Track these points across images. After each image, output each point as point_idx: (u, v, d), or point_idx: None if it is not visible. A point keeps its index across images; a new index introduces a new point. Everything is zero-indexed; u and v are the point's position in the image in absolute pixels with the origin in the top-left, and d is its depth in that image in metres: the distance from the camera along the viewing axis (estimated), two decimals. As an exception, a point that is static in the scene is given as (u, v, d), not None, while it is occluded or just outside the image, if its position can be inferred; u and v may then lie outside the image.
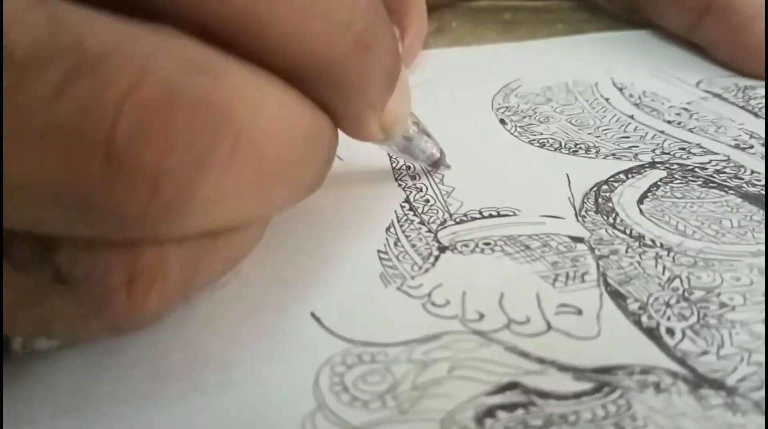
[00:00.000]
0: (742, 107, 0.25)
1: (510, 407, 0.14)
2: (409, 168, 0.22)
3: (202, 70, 0.11)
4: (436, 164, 0.21)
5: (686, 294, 0.16)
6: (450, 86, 0.28)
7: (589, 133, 0.24)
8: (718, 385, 0.14)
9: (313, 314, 0.16)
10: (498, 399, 0.14)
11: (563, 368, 0.15)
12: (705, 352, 0.15)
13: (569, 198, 0.20)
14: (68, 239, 0.12)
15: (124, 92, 0.10)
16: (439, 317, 0.16)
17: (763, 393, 0.14)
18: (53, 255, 0.12)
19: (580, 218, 0.19)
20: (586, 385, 0.14)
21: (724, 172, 0.21)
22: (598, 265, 0.17)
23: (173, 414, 0.14)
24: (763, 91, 0.26)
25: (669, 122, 0.24)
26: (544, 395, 0.14)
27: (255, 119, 0.12)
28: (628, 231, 0.19)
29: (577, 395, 0.14)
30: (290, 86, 0.13)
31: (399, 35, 0.28)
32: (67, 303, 0.12)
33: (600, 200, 0.20)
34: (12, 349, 0.14)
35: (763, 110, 0.25)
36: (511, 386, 0.14)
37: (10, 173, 0.10)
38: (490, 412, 0.14)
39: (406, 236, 0.19)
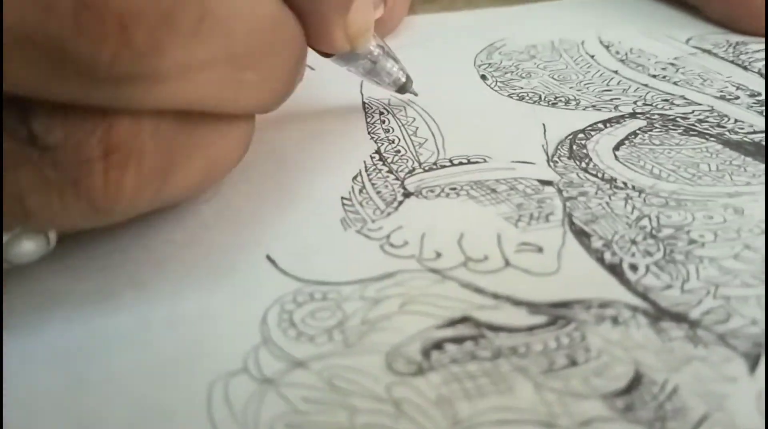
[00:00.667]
0: (732, 62, 0.24)
1: (459, 340, 0.13)
2: (383, 122, 0.22)
3: None
4: (403, 89, 0.21)
5: (654, 232, 0.16)
6: (434, 47, 0.27)
7: (571, 87, 0.23)
8: (679, 317, 0.13)
9: (268, 256, 0.16)
10: (447, 332, 0.13)
11: (518, 303, 0.14)
12: (668, 287, 0.14)
13: (543, 145, 0.20)
14: (44, 104, 0.11)
15: None
16: (396, 257, 0.16)
17: (728, 326, 0.13)
18: (28, 118, 0.11)
19: (551, 163, 0.19)
20: (540, 319, 0.14)
21: (707, 122, 0.20)
22: (564, 206, 0.17)
23: (120, 348, 0.14)
24: (755, 46, 0.25)
25: (654, 76, 0.23)
26: (496, 328, 0.13)
27: None
28: (600, 175, 0.18)
29: (530, 328, 0.13)
30: None
31: None
32: (43, 173, 0.12)
33: (575, 147, 0.19)
34: None
35: (753, 64, 0.24)
36: (462, 320, 0.14)
37: None
38: (437, 344, 0.13)
39: (373, 184, 0.18)
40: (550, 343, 0.13)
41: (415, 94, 0.22)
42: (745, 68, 0.24)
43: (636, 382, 0.12)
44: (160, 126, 0.13)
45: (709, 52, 0.25)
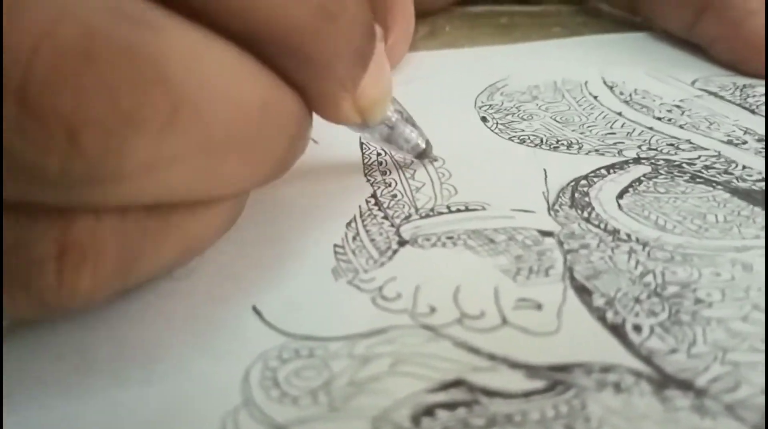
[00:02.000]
0: (739, 104, 0.24)
1: (451, 406, 0.12)
2: (380, 163, 0.21)
3: (132, 19, 0.10)
4: (422, 156, 0.20)
5: (659, 289, 0.15)
6: (434, 86, 0.27)
7: (573, 130, 0.23)
8: (685, 385, 0.13)
9: (254, 308, 0.15)
10: (440, 397, 0.13)
11: (515, 365, 0.13)
12: (674, 351, 0.13)
13: (543, 193, 0.19)
14: None
15: (40, 34, 0.09)
16: (388, 311, 0.15)
17: (736, 395, 0.12)
18: None
19: (552, 212, 0.18)
20: (538, 384, 0.13)
21: (714, 168, 0.20)
22: (565, 259, 0.16)
23: (94, 408, 0.13)
24: (762, 89, 0.25)
25: (659, 119, 0.23)
26: (491, 393, 0.13)
27: (197, 80, 0.11)
28: (602, 225, 0.17)
29: (527, 394, 0.13)
30: (248, 54, 0.12)
31: (382, 35, 0.27)
32: None
33: (576, 195, 0.19)
34: None
35: (761, 107, 0.23)
36: (456, 384, 0.13)
37: None
38: (429, 410, 0.12)
39: (367, 231, 0.18)
40: (547, 411, 0.12)
41: (435, 160, 0.21)
42: (752, 112, 0.23)
43: (639, 458, 0.11)
44: (124, 221, 0.12)
45: (715, 94, 0.25)
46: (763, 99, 0.24)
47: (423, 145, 0.20)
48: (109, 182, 0.11)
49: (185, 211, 0.13)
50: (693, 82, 0.26)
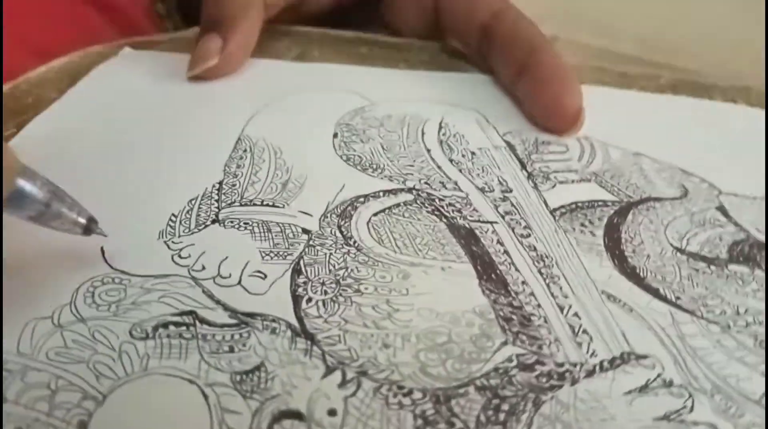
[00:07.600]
0: (519, 159, 0.32)
1: (178, 324, 0.22)
2: (241, 158, 0.30)
3: None
4: (88, 231, 0.23)
5: (340, 279, 0.24)
6: (317, 99, 0.35)
7: (389, 157, 0.31)
8: (309, 336, 0.22)
9: (101, 249, 0.25)
10: (175, 318, 0.22)
11: (227, 308, 0.22)
12: (319, 317, 0.22)
13: (329, 202, 0.28)
14: None
15: None
16: (177, 265, 0.24)
17: (335, 348, 0.21)
18: None
19: (323, 217, 0.27)
20: (232, 321, 0.22)
21: (453, 206, 0.28)
22: (303, 251, 0.25)
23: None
24: (551, 148, 0.32)
25: (451, 161, 0.31)
26: (202, 321, 0.22)
27: None
28: (346, 232, 0.26)
29: (222, 325, 0.22)
30: None
31: (219, 47, 0.35)
32: None
33: (349, 208, 0.27)
34: None
35: (534, 164, 0.31)
36: (188, 313, 0.22)
37: None
38: (165, 325, 0.22)
39: (199, 208, 0.27)
40: (225, 336, 0.21)
41: (105, 235, 0.23)
42: (523, 166, 0.31)
43: (256, 369, 0.21)
44: None
45: (513, 147, 0.32)
46: (546, 157, 0.32)
47: (84, 221, 0.22)
48: None
49: None
50: (504, 134, 0.33)
